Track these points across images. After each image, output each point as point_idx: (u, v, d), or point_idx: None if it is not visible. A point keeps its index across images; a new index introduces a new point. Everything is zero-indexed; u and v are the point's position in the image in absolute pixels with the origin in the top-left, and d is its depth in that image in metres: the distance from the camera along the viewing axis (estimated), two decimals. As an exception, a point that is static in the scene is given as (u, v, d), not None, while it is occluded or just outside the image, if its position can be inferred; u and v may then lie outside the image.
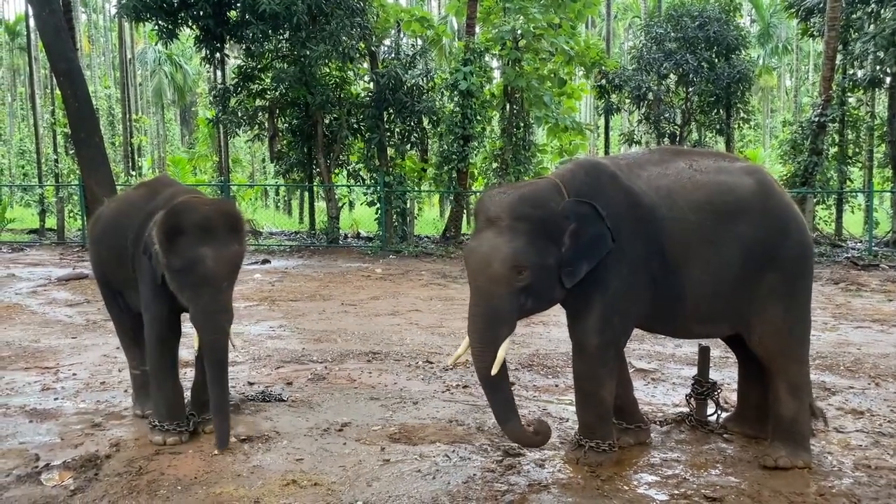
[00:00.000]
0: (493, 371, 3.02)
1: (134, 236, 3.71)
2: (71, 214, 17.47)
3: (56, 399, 4.44)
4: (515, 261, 2.97)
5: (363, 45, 14.93)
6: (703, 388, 3.87)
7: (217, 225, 3.41)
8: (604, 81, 16.58)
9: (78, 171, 15.14)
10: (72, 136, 13.36)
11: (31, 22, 18.94)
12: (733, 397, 4.17)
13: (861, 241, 14.62)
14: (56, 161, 17.63)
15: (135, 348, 4.11)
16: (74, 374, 5.03)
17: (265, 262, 12.22)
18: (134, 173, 23.58)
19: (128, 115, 26.13)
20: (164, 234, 3.35)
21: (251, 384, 4.72)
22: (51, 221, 17.68)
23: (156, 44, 29.48)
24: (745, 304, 3.25)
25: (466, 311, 3.19)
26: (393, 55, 15.81)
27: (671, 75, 16.29)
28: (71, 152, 17.65)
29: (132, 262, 3.73)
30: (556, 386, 4.79)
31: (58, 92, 15.39)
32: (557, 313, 7.36)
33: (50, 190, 17.90)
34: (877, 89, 15.67)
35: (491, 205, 3.12)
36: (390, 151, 15.61)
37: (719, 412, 3.89)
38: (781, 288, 3.23)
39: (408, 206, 15.53)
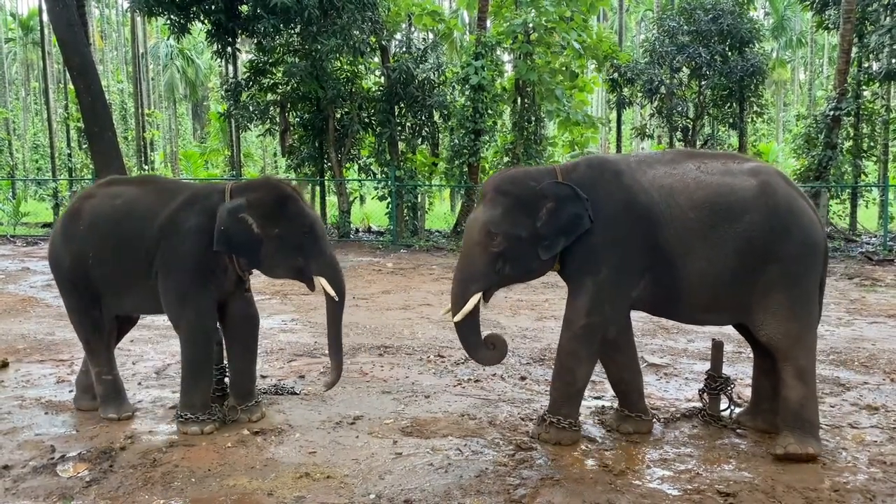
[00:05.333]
0: (457, 319, 3.46)
1: (162, 226, 3.64)
2: (84, 208, 17.55)
3: (71, 391, 4.46)
4: (488, 227, 3.41)
5: (374, 40, 14.89)
6: (716, 383, 3.88)
7: (303, 194, 3.89)
8: (616, 75, 16.45)
9: (91, 165, 15.25)
10: (85, 131, 13.48)
11: (45, 17, 19.04)
12: (746, 392, 4.16)
13: (876, 236, 14.45)
14: (69, 155, 17.73)
15: (106, 353, 3.98)
16: (89, 367, 5.06)
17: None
18: (147, 167, 23.67)
19: (140, 110, 26.26)
20: (273, 207, 3.63)
21: (264, 377, 4.74)
22: (64, 215, 17.79)
23: (168, 38, 29.61)
24: (746, 295, 3.37)
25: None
26: (404, 49, 15.76)
27: (684, 69, 16.13)
28: (84, 146, 17.78)
29: (149, 255, 3.66)
30: (568, 380, 4.77)
31: (71, 87, 15.48)
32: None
33: (64, 184, 18.01)
34: (892, 82, 15.48)
35: (487, 183, 3.65)
36: (401, 146, 15.60)
37: (732, 407, 3.89)
38: (783, 280, 3.33)
39: (419, 200, 15.51)
